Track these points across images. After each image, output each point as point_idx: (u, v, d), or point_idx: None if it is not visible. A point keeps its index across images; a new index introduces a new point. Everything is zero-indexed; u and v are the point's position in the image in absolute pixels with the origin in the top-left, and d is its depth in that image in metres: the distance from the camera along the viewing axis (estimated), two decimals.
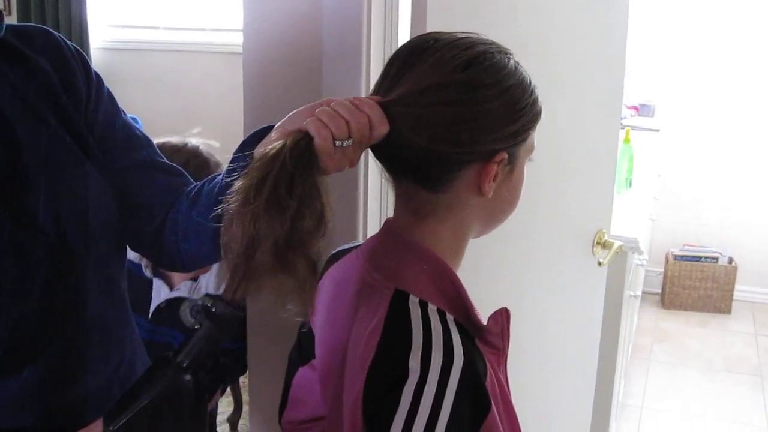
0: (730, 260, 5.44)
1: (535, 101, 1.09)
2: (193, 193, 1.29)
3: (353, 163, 1.05)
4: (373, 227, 1.61)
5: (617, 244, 2.39)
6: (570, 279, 2.31)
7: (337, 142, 1.01)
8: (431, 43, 1.07)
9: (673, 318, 5.38)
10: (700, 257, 5.43)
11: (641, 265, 3.70)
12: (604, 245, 2.38)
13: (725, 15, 5.21)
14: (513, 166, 1.10)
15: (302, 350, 1.24)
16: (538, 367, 2.14)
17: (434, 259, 1.10)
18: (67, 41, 1.30)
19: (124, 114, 1.36)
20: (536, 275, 2.09)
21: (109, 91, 1.34)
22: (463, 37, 1.08)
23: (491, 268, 1.78)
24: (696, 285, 5.42)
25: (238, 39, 1.76)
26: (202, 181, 1.30)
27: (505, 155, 1.07)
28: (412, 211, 1.12)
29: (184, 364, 1.23)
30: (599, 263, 2.36)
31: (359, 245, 1.22)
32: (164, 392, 1.17)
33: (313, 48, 1.60)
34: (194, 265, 1.37)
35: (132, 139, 1.34)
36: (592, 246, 2.35)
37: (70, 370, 1.24)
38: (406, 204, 1.13)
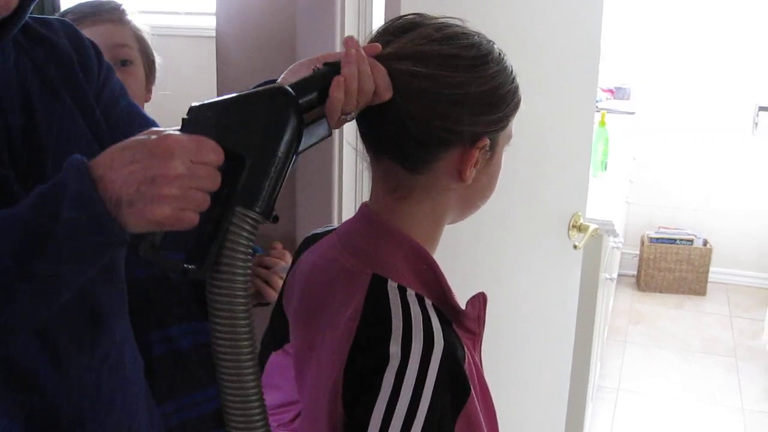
0: (705, 242, 5.48)
1: (516, 88, 1.10)
2: None
3: (352, 119, 1.07)
4: (348, 210, 1.61)
5: (593, 227, 2.39)
6: (546, 262, 2.31)
7: (342, 117, 1.02)
8: (423, 21, 1.08)
9: (648, 300, 5.41)
10: (675, 239, 5.46)
11: (617, 247, 3.72)
12: (580, 228, 2.39)
13: None
14: (493, 153, 1.10)
15: (275, 335, 1.23)
16: (514, 350, 2.14)
17: (411, 243, 1.09)
18: (79, 30, 1.31)
19: (131, 99, 1.37)
20: (512, 259, 2.09)
21: (118, 80, 1.35)
22: (453, 23, 1.09)
23: (467, 252, 1.78)
24: (671, 267, 5.45)
25: (211, 22, 1.74)
26: None
27: (487, 141, 1.07)
28: (388, 191, 1.11)
29: (302, 102, 0.99)
30: (575, 246, 2.37)
31: (334, 229, 1.21)
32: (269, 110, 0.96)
33: (286, 31, 1.59)
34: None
35: (134, 117, 1.34)
36: (568, 229, 2.36)
37: (62, 350, 1.23)
38: (384, 183, 1.12)
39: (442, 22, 1.08)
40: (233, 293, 0.91)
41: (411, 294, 1.04)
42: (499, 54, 1.09)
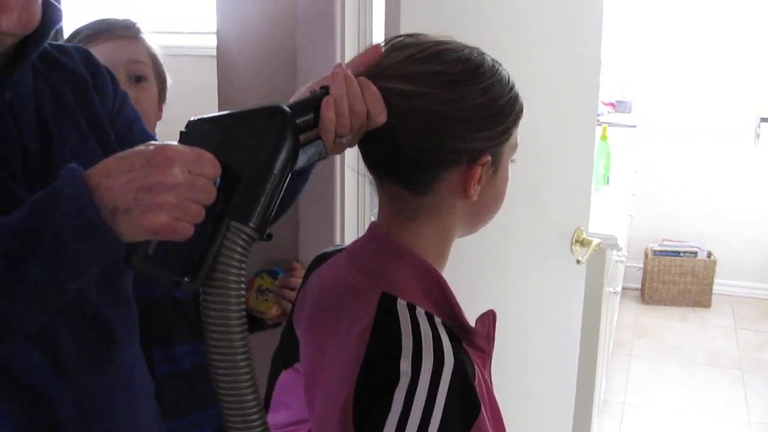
0: (709, 254, 5.47)
1: (515, 98, 1.09)
2: None
3: (352, 145, 1.09)
4: (350, 229, 1.61)
5: (595, 241, 2.39)
6: (549, 278, 2.31)
7: (338, 140, 1.03)
8: (413, 41, 1.08)
9: (653, 313, 5.40)
10: (679, 252, 5.45)
11: (620, 261, 3.72)
12: (583, 243, 2.38)
13: (701, 9, 5.23)
14: (497, 167, 1.10)
15: (285, 354, 1.23)
16: (519, 365, 2.14)
17: (420, 262, 1.09)
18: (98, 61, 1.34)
19: (144, 124, 1.39)
20: (515, 275, 2.09)
21: (132, 106, 1.37)
22: (445, 40, 1.09)
23: (470, 269, 1.78)
24: (675, 280, 5.44)
25: (212, 42, 1.75)
26: None
27: (489, 157, 1.06)
28: (396, 214, 1.11)
29: (299, 122, 1.00)
30: (578, 261, 2.37)
31: (343, 248, 1.21)
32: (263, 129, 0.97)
33: (286, 49, 1.60)
34: None
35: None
36: (571, 244, 2.36)
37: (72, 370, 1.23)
38: (390, 206, 1.12)
39: (432, 41, 1.08)
40: (227, 307, 0.91)
41: (420, 312, 1.04)
42: (492, 65, 1.08)
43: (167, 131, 1.84)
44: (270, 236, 0.96)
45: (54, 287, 0.93)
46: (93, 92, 1.27)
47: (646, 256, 5.52)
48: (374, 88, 1.02)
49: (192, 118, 0.96)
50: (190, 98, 2.05)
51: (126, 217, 0.87)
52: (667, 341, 4.98)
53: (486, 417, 1.01)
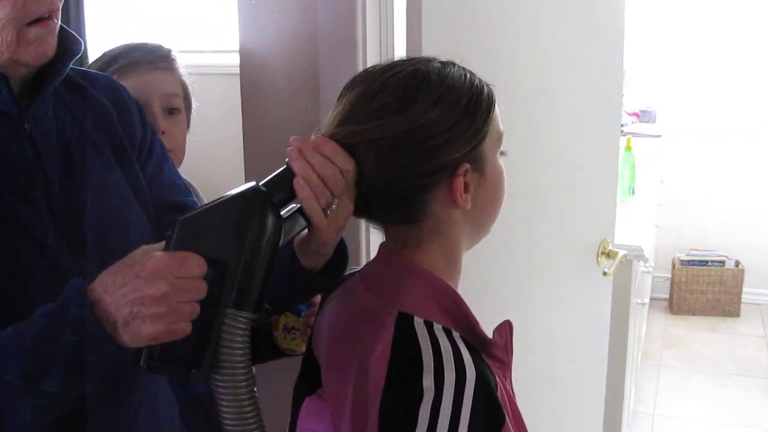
0: (737, 263, 5.42)
1: (478, 94, 1.07)
2: None
3: (350, 211, 1.08)
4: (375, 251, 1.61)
5: (622, 253, 2.38)
6: (575, 290, 2.30)
7: (329, 211, 1.05)
8: (363, 77, 1.09)
9: (682, 323, 5.36)
10: (707, 261, 5.42)
11: (647, 272, 3.69)
12: (609, 255, 2.37)
13: (724, 17, 5.21)
14: (482, 168, 1.08)
15: (308, 380, 1.24)
16: (547, 378, 2.13)
17: (433, 279, 1.09)
18: (127, 90, 1.35)
19: (171, 164, 1.41)
20: (541, 287, 2.08)
21: (161, 146, 1.39)
22: (395, 62, 1.09)
23: (496, 282, 1.78)
24: (704, 289, 5.40)
25: (235, 60, 1.76)
26: None
27: (467, 165, 1.05)
28: (402, 246, 1.12)
29: (275, 200, 1.03)
30: (604, 273, 2.36)
31: (356, 271, 1.21)
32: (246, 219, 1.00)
33: (309, 66, 1.60)
34: None
35: (174, 186, 1.38)
36: (597, 256, 2.35)
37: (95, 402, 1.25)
38: (395, 241, 1.13)
39: (381, 69, 1.08)
40: (237, 390, 0.97)
41: (438, 328, 1.04)
42: (440, 72, 1.05)
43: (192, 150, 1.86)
44: (269, 311, 1.00)
45: (66, 396, 0.99)
46: (116, 121, 1.28)
47: (674, 266, 5.49)
48: (331, 142, 1.03)
49: (179, 218, 1.00)
50: (213, 118, 2.07)
51: (126, 329, 0.94)
52: (696, 351, 4.94)
53: (510, 427, 1.01)
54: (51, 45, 1.10)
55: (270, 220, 0.99)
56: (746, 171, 5.40)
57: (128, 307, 0.93)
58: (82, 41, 1.19)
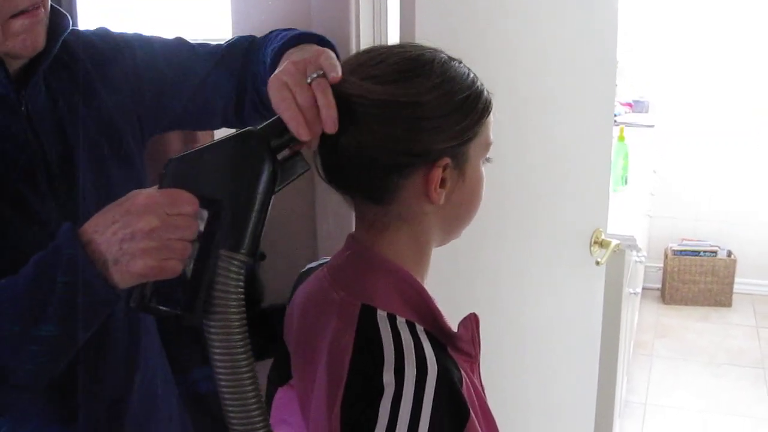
0: (729, 253, 5.44)
1: (477, 96, 1.06)
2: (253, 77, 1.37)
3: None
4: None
5: (614, 242, 2.38)
6: (568, 279, 2.31)
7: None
8: (367, 50, 1.09)
9: (674, 313, 5.37)
10: (699, 251, 5.43)
11: (640, 261, 3.70)
12: (602, 244, 2.38)
13: (717, 8, 5.21)
14: (462, 168, 1.07)
15: (280, 370, 1.24)
16: (539, 367, 2.13)
17: (397, 270, 1.08)
18: (88, 30, 1.34)
19: (151, 45, 1.40)
20: (534, 277, 2.09)
21: (138, 42, 1.37)
22: (401, 44, 1.10)
23: (489, 272, 1.78)
24: (696, 279, 5.42)
25: None
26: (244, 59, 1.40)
27: (448, 160, 1.04)
28: (367, 227, 1.10)
29: (273, 144, 1.01)
30: (597, 262, 2.36)
31: (326, 262, 1.20)
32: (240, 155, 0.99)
33: None
34: None
35: (180, 70, 1.39)
36: (590, 246, 2.35)
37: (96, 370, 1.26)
38: (362, 220, 1.11)
39: (386, 47, 1.09)
40: (230, 334, 0.95)
41: (401, 321, 1.03)
42: (445, 63, 1.05)
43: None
44: (263, 256, 0.98)
45: (64, 341, 0.98)
46: (98, 85, 1.27)
47: (666, 256, 5.50)
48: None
49: (171, 158, 0.98)
50: None
51: (116, 267, 0.93)
52: (688, 341, 4.96)
53: (477, 421, 1.01)
54: (39, 35, 1.11)
55: (266, 163, 0.97)
56: (739, 161, 5.41)
57: (118, 245, 0.92)
58: (69, 17, 1.19)
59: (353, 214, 1.14)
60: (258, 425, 0.96)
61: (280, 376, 1.22)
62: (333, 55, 1.06)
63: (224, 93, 1.40)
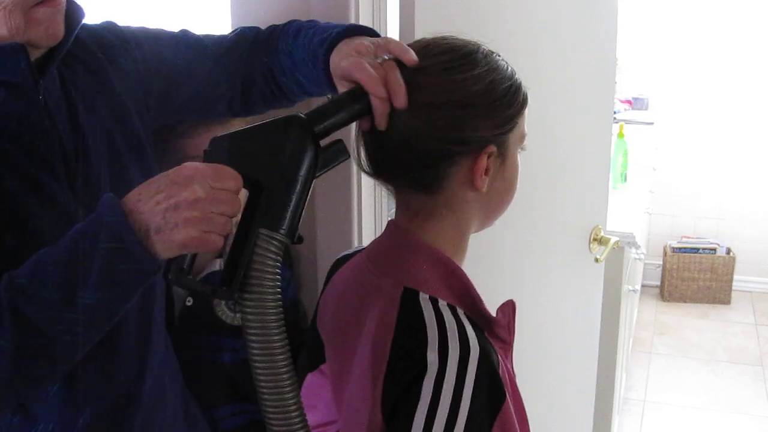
0: (728, 251, 5.44)
1: (517, 87, 1.09)
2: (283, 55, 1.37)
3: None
4: (368, 229, 1.61)
5: (613, 239, 2.39)
6: (567, 276, 2.31)
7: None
8: (426, 38, 1.11)
9: (673, 310, 5.38)
10: (698, 249, 5.43)
11: (639, 259, 3.71)
12: (601, 241, 2.38)
13: (717, 5, 5.20)
14: (504, 156, 1.10)
15: (310, 356, 1.24)
16: (538, 364, 2.13)
17: (440, 256, 1.10)
18: (96, 24, 1.34)
19: (160, 37, 1.41)
20: (533, 273, 2.09)
21: (144, 34, 1.38)
22: (441, 35, 1.11)
23: (488, 268, 1.78)
24: (695, 276, 5.42)
25: None
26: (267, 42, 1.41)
27: (493, 147, 1.07)
28: (412, 216, 1.12)
29: (317, 130, 1.03)
30: (596, 260, 2.36)
31: (362, 250, 1.22)
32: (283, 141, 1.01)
33: None
34: None
35: (186, 61, 1.39)
36: (589, 243, 2.35)
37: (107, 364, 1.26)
38: (406, 209, 1.13)
39: (427, 39, 1.11)
40: (264, 312, 0.95)
41: (443, 304, 1.05)
42: (487, 55, 1.08)
43: None
44: (301, 239, 1.00)
45: (104, 311, 0.98)
46: (111, 77, 1.28)
47: (665, 253, 5.50)
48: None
49: (215, 136, 1.00)
50: None
51: (158, 236, 0.93)
52: (687, 338, 4.96)
53: (510, 406, 1.02)
54: (60, 24, 1.11)
55: (309, 147, 1.00)
56: (738, 159, 5.41)
57: (161, 214, 0.92)
58: (83, 9, 1.20)
59: (387, 204, 1.16)
60: (290, 401, 0.96)
61: (311, 362, 1.23)
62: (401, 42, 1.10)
63: (231, 84, 1.41)
